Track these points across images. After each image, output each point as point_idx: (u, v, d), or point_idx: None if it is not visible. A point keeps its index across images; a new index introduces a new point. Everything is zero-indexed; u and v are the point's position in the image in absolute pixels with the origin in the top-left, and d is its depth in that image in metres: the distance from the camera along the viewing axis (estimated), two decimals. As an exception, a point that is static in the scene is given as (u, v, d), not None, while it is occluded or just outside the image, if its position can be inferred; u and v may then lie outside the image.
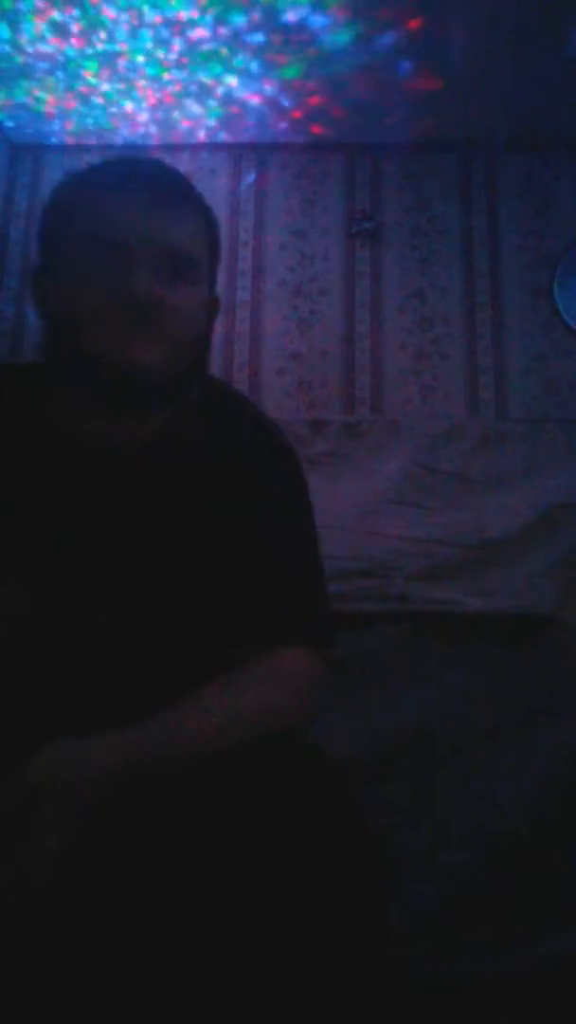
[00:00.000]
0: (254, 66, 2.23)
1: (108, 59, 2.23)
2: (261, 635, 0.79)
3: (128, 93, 2.38)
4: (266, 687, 0.76)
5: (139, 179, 0.78)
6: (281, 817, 0.65)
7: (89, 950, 0.64)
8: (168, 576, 0.79)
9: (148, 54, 2.20)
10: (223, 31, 2.10)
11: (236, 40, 2.14)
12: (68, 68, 2.26)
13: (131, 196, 0.76)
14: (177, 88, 2.34)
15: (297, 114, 2.46)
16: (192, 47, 2.17)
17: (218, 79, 2.29)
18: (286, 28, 2.09)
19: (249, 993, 0.61)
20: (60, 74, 2.29)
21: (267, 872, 0.63)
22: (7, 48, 2.19)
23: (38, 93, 2.38)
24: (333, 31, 2.10)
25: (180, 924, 0.65)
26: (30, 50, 2.20)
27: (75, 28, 2.11)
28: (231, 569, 0.81)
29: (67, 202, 0.79)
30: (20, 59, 2.23)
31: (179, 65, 2.24)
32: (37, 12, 2.06)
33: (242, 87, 2.33)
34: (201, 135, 2.59)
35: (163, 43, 2.16)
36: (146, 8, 2.04)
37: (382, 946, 0.66)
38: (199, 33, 2.12)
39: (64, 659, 0.76)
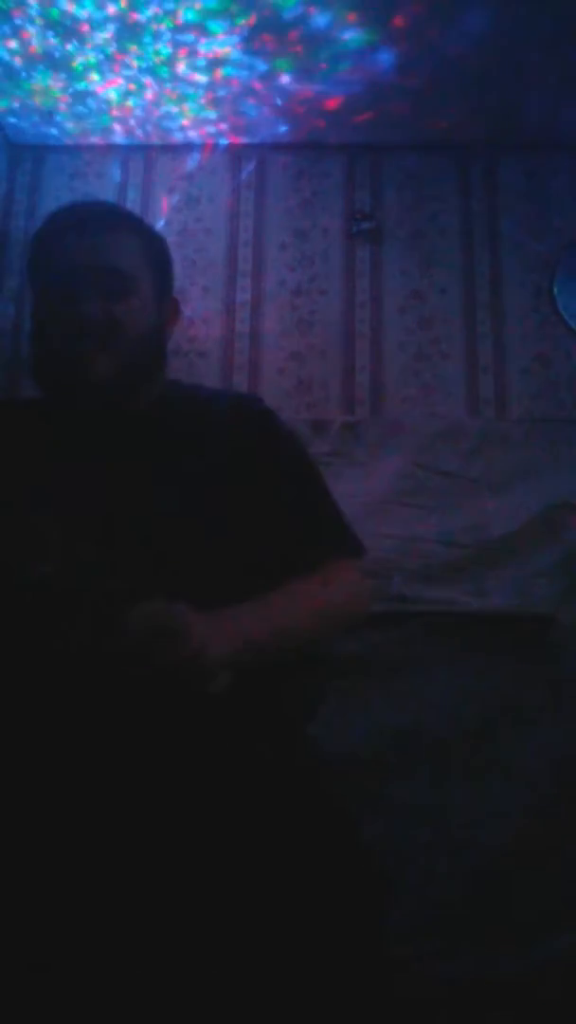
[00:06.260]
0: (254, 66, 2.23)
1: (108, 59, 2.22)
2: (306, 555, 0.91)
3: (128, 93, 2.38)
4: (336, 586, 0.89)
5: (78, 217, 0.93)
6: (283, 828, 0.66)
7: (93, 954, 0.64)
8: (193, 511, 0.87)
9: (148, 54, 2.20)
10: (223, 31, 2.10)
11: (236, 40, 2.14)
12: (68, 68, 2.26)
13: (72, 232, 0.91)
14: (177, 88, 2.34)
15: (297, 114, 2.45)
16: (192, 47, 2.17)
17: (218, 79, 2.29)
18: (286, 28, 2.09)
19: (248, 995, 0.61)
20: (60, 74, 2.29)
21: (266, 882, 0.64)
22: (7, 48, 2.19)
23: (38, 93, 2.38)
24: (334, 31, 2.10)
25: (180, 926, 0.65)
26: (30, 50, 2.20)
27: (75, 28, 2.11)
28: (252, 504, 0.90)
29: (34, 243, 0.96)
30: (20, 59, 2.23)
31: (179, 65, 2.23)
32: (37, 12, 2.06)
33: (242, 87, 2.33)
34: (201, 135, 2.59)
35: (163, 43, 2.16)
36: (146, 8, 2.04)
37: (378, 953, 0.66)
38: (199, 33, 2.11)
39: (95, 593, 0.81)
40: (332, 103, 2.39)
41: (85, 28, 2.11)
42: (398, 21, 2.06)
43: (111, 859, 0.67)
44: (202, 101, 2.41)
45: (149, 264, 0.95)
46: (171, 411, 0.96)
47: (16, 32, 2.13)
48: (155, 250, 0.97)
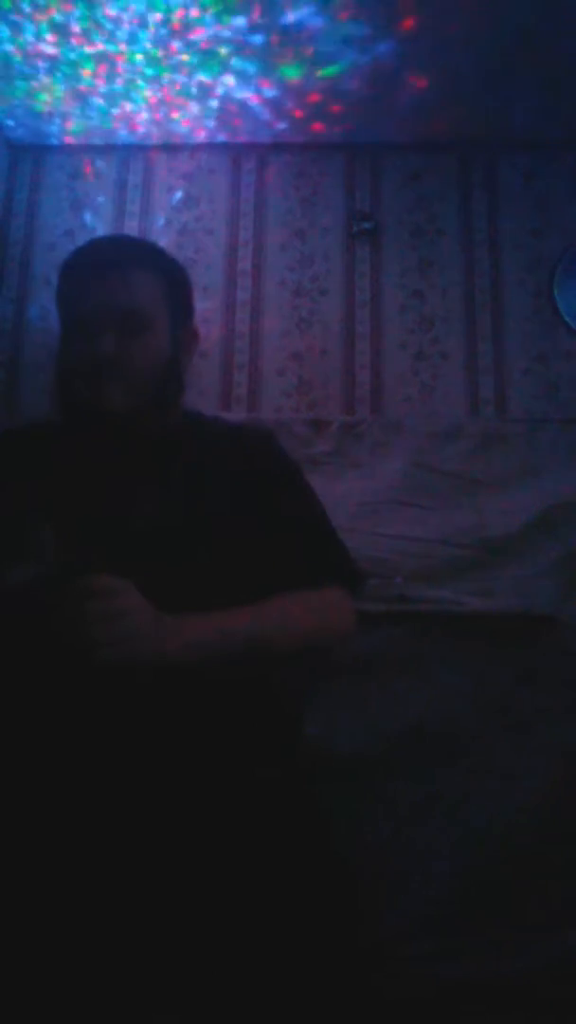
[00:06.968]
0: (254, 66, 2.23)
1: (108, 59, 2.22)
2: (305, 575, 0.93)
3: (128, 93, 2.38)
4: (319, 606, 0.91)
5: (99, 256, 0.98)
6: (252, 833, 0.67)
7: (77, 953, 0.65)
8: (195, 524, 0.90)
9: (148, 54, 2.20)
10: (223, 31, 2.10)
11: (236, 40, 2.14)
12: (68, 68, 2.26)
13: (92, 271, 0.96)
14: (177, 88, 2.34)
15: (297, 114, 2.45)
16: (192, 47, 2.17)
17: (218, 79, 2.29)
18: (286, 28, 2.09)
19: (230, 996, 0.62)
20: (60, 74, 2.29)
21: (237, 887, 0.65)
22: (7, 48, 2.19)
23: (38, 93, 2.38)
24: (333, 31, 2.10)
25: (164, 925, 0.66)
26: (30, 50, 2.20)
27: (75, 28, 2.11)
28: (256, 522, 0.93)
29: (60, 278, 1.01)
30: (20, 59, 2.23)
31: (179, 65, 2.24)
32: (37, 12, 2.06)
33: (242, 87, 2.33)
34: (201, 135, 2.59)
35: (163, 43, 2.16)
36: (146, 8, 2.04)
37: (350, 955, 0.68)
38: (199, 33, 2.12)
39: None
40: (332, 103, 2.39)
41: (85, 28, 2.11)
42: (399, 23, 2.06)
43: (93, 857, 0.68)
44: (202, 101, 2.41)
45: (166, 299, 1.00)
46: (183, 437, 1.00)
47: (16, 32, 2.13)
48: (173, 284, 1.02)
